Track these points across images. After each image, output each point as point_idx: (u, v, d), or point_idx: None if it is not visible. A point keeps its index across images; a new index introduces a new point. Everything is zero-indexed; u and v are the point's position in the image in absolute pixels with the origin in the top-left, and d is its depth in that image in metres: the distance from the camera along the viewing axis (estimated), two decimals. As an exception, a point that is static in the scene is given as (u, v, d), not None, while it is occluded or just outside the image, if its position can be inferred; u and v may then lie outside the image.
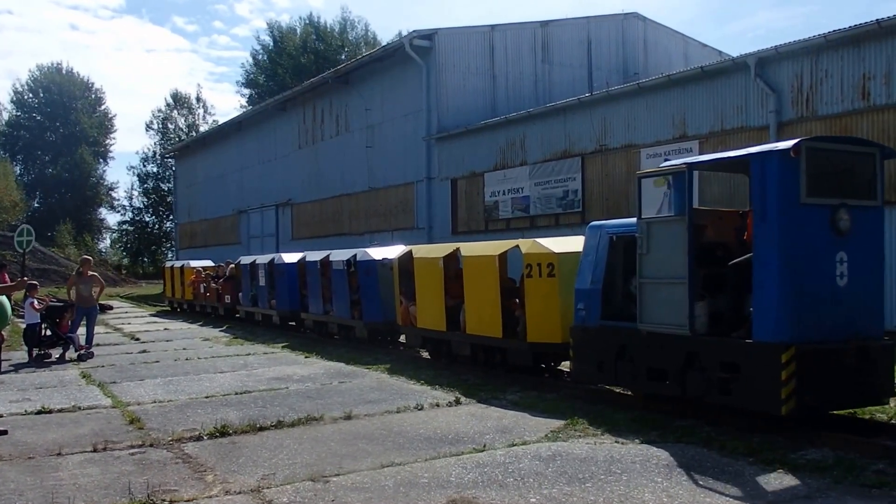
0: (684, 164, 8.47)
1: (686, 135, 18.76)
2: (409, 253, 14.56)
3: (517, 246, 11.85)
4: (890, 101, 14.82)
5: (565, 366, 11.76)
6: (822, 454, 7.01)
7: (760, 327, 7.62)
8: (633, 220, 9.22)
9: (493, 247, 12.64)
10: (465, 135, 26.03)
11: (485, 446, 7.73)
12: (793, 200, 7.46)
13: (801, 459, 6.89)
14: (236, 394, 11.18)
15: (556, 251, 11.00)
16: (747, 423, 8.08)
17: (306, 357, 15.34)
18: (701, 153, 18.28)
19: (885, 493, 5.95)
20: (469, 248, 13.00)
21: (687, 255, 8.16)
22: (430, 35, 26.92)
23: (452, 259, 13.40)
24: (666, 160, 19.10)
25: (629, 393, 9.88)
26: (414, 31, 27.13)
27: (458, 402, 10.10)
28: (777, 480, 6.34)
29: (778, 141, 16.51)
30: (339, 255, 17.45)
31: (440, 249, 13.85)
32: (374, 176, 30.32)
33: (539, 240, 11.77)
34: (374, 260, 16.13)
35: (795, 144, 7.40)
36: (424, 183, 27.54)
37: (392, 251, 16.10)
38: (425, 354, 14.48)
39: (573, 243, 11.17)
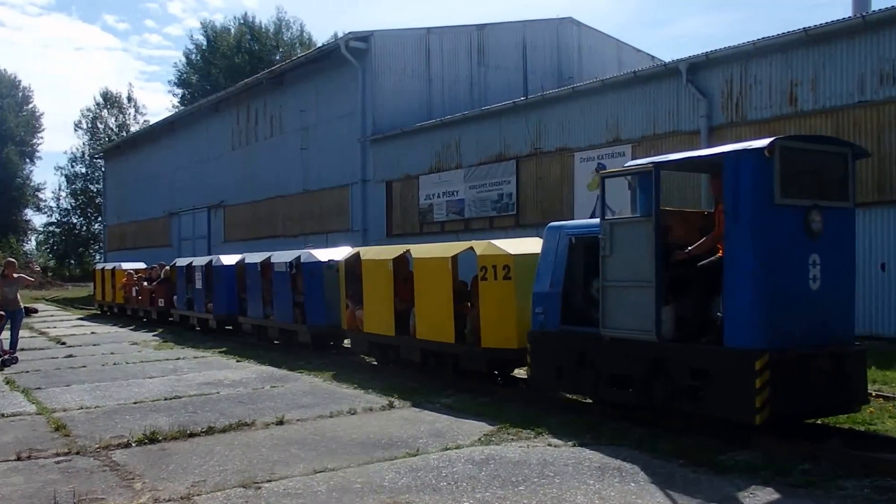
0: (651, 163, 8.13)
1: (619, 139, 19.07)
2: (357, 255, 14.06)
3: (471, 247, 11.42)
4: (816, 106, 15.30)
5: (519, 373, 11.51)
6: (751, 455, 7.11)
7: (733, 333, 7.35)
8: (594, 220, 8.96)
9: (445, 248, 12.26)
10: (400, 137, 25.98)
11: (418, 450, 7.69)
12: (766, 201, 7.22)
13: (730, 461, 6.98)
14: (166, 399, 10.91)
15: (512, 253, 10.56)
16: (678, 424, 8.16)
17: (238, 361, 15.05)
18: (633, 157, 18.59)
19: (811, 492, 6.07)
20: (420, 250, 12.53)
21: (654, 257, 7.83)
22: (366, 37, 26.80)
23: (402, 261, 13.07)
24: (599, 164, 19.44)
25: (569, 396, 9.84)
26: (350, 32, 27.00)
27: (391, 406, 10.03)
28: (707, 482, 6.42)
29: (709, 145, 17.00)
30: (282, 257, 17.00)
31: (389, 251, 13.34)
32: (308, 178, 30.03)
33: (494, 241, 11.39)
34: (320, 262, 15.69)
35: (770, 143, 7.17)
36: (359, 185, 27.41)
37: (338, 252, 15.71)
38: (372, 361, 14.06)
39: (529, 245, 10.87)
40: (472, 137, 23.42)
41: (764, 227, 7.21)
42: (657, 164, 8.05)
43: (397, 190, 26.28)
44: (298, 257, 16.30)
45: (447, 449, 7.73)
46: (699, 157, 8.25)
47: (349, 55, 26.57)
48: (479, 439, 8.11)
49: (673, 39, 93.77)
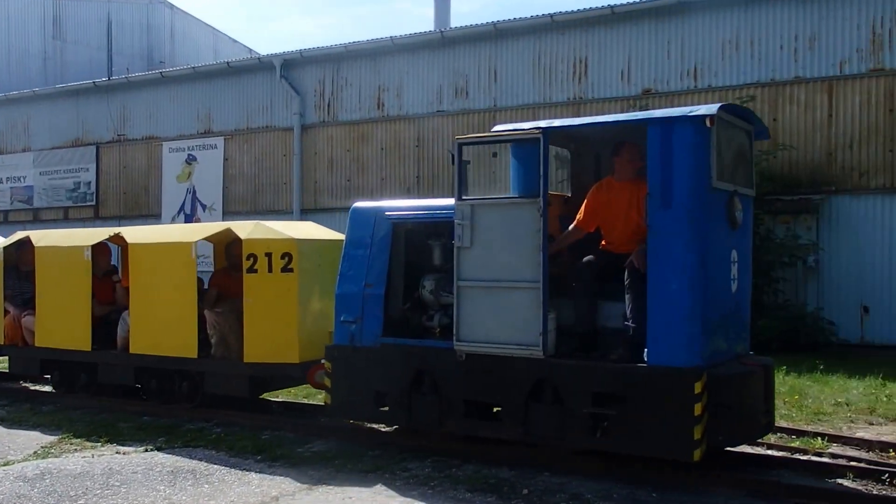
0: (538, 128, 6.28)
1: (211, 130, 18.62)
2: (26, 240, 10.29)
3: (228, 229, 8.72)
4: (401, 112, 16.36)
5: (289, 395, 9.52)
6: (327, 446, 7.22)
7: (659, 347, 5.80)
8: (423, 202, 7.59)
9: (182, 231, 9.46)
10: (-50, 111, 22.53)
11: (-49, 473, 6.55)
12: (706, 183, 5.79)
13: (307, 452, 7.03)
14: None
15: (295, 237, 8.17)
16: (253, 423, 8.04)
17: None
18: (225, 151, 18.24)
19: (379, 475, 6.34)
20: (140, 235, 9.43)
21: (541, 250, 6.10)
22: None
23: (102, 250, 9.91)
24: (190, 155, 18.70)
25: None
26: None
27: (-80, 423, 8.49)
28: (283, 474, 6.38)
29: (301, 145, 17.27)
30: None
31: (84, 236, 9.98)
32: None
33: (266, 222, 8.80)
34: None
35: (714, 111, 5.75)
36: None
37: None
38: (42, 386, 10.67)
39: (309, 229, 8.84)
40: (45, 118, 21.19)
41: (702, 215, 5.82)
42: (546, 130, 6.24)
43: (-53, 172, 22.72)
44: None
45: (-8, 467, 6.76)
46: (610, 122, 6.70)
47: None
48: (35, 453, 7.27)
49: (273, 35, 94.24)
